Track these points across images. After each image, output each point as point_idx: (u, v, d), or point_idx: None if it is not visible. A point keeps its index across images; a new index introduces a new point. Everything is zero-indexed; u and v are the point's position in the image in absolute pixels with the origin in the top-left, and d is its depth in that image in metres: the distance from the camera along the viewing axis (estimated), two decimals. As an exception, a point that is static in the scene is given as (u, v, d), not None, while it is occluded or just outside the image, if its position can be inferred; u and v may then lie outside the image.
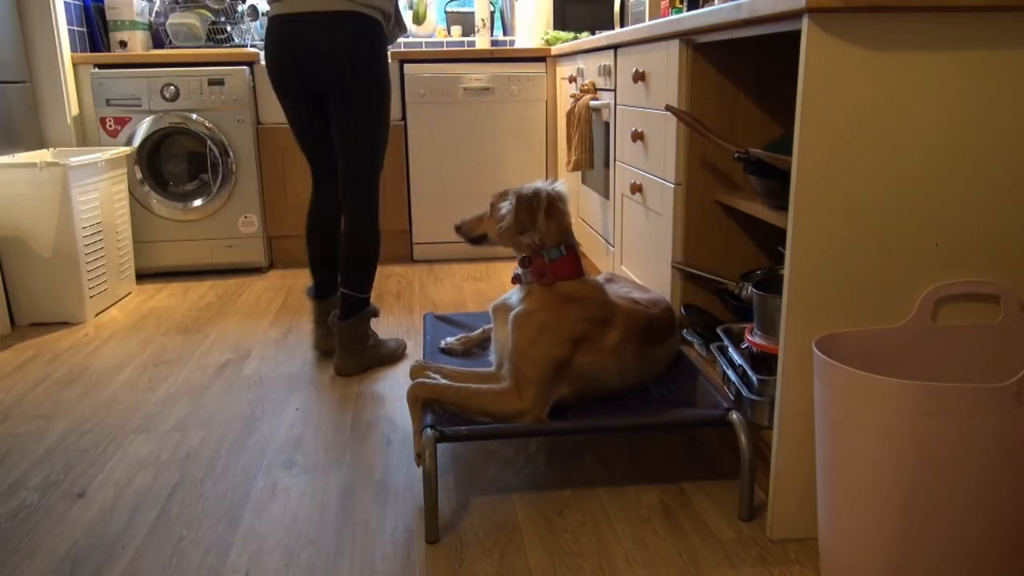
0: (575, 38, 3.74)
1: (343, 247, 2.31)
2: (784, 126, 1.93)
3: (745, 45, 1.88)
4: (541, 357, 1.60)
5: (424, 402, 1.60)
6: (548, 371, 1.60)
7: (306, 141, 2.35)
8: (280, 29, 2.18)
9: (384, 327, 2.78)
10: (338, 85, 2.17)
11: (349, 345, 2.33)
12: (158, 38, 3.83)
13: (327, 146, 2.34)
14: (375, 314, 2.40)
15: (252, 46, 3.86)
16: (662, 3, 2.88)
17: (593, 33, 3.88)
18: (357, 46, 2.14)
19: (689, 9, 2.64)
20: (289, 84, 2.24)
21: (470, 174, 3.72)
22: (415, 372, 1.79)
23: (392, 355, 2.45)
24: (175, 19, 3.68)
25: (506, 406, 1.57)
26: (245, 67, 3.46)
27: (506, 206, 1.69)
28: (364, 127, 2.22)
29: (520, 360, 1.60)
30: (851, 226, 1.31)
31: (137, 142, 3.42)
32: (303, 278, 3.51)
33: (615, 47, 2.52)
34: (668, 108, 1.84)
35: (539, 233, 1.67)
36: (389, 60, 2.29)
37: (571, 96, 3.19)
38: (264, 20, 4.04)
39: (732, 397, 1.69)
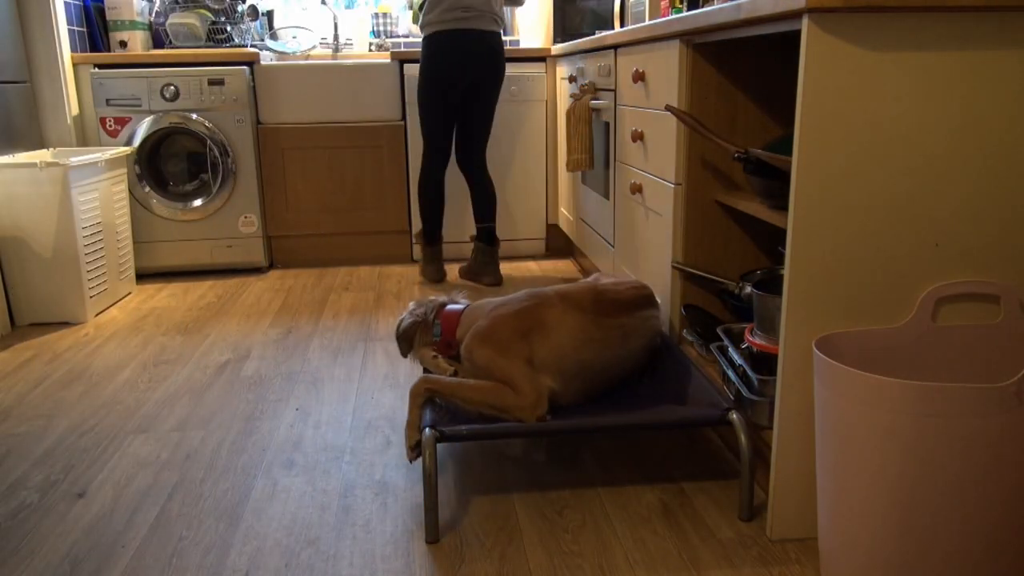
0: None
1: (481, 195, 3.32)
2: (784, 126, 1.93)
3: (745, 45, 1.88)
4: (508, 362, 1.64)
5: (427, 397, 1.64)
6: (524, 367, 1.63)
7: (443, 124, 3.23)
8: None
9: (384, 328, 2.79)
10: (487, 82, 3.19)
11: (497, 262, 3.34)
12: (158, 38, 3.83)
13: (452, 129, 3.28)
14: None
15: (252, 46, 3.86)
16: (662, 3, 2.88)
17: (593, 33, 3.88)
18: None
19: (689, 9, 2.64)
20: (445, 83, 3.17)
21: (470, 174, 3.72)
22: (424, 360, 1.85)
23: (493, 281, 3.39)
24: (175, 19, 3.68)
25: (507, 398, 1.60)
26: (245, 67, 3.46)
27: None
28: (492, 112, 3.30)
29: (497, 373, 1.64)
30: (851, 226, 1.31)
31: (137, 142, 3.42)
32: (303, 278, 3.51)
33: (615, 47, 2.52)
34: (668, 108, 1.84)
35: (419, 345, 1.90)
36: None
37: (571, 96, 3.19)
38: (263, 20, 4.05)
39: (732, 397, 1.69)
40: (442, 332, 1.84)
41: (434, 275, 3.38)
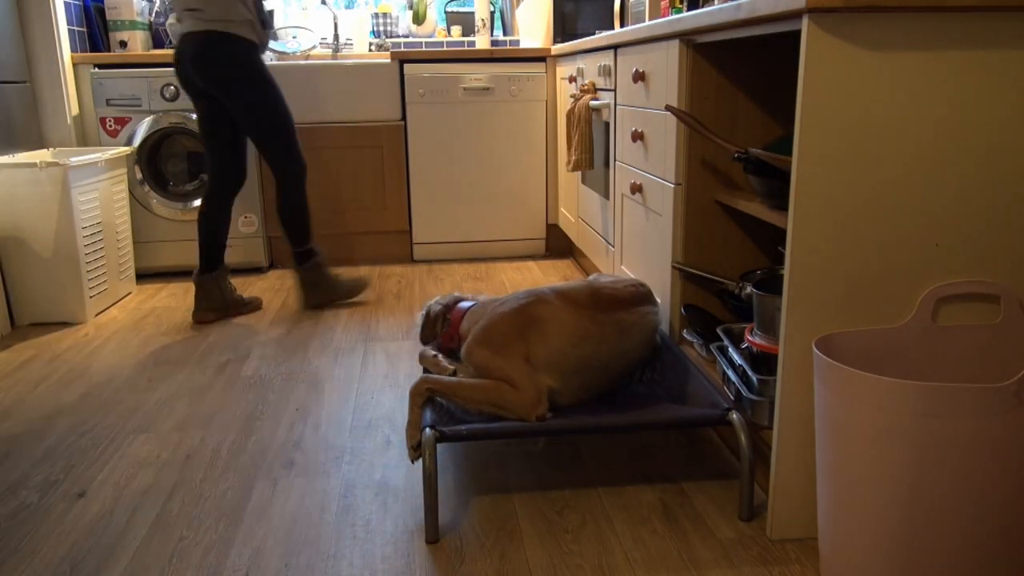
0: None
1: (281, 212, 2.92)
2: (784, 126, 1.93)
3: (745, 45, 1.88)
4: (506, 362, 1.64)
5: (427, 397, 1.64)
6: (522, 366, 1.64)
7: (206, 136, 2.85)
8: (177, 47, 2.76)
9: (384, 327, 2.79)
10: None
11: (316, 282, 3.01)
12: (158, 38, 3.83)
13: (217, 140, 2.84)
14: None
15: (252, 46, 3.86)
16: (662, 3, 2.88)
17: (593, 33, 3.88)
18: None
19: (689, 9, 2.64)
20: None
21: (470, 174, 3.72)
22: (424, 360, 1.87)
23: (350, 290, 3.07)
24: (175, 19, 3.68)
25: (508, 396, 1.60)
26: (245, 67, 3.46)
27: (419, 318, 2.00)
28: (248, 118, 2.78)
29: (496, 373, 1.64)
30: (851, 226, 1.31)
31: (137, 142, 3.42)
32: (303, 278, 3.51)
33: (615, 47, 2.52)
34: (668, 108, 1.84)
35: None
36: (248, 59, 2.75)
37: (571, 96, 3.19)
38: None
39: (732, 397, 1.69)
40: (449, 325, 1.88)
41: (202, 316, 2.89)
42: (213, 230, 2.88)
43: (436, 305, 1.97)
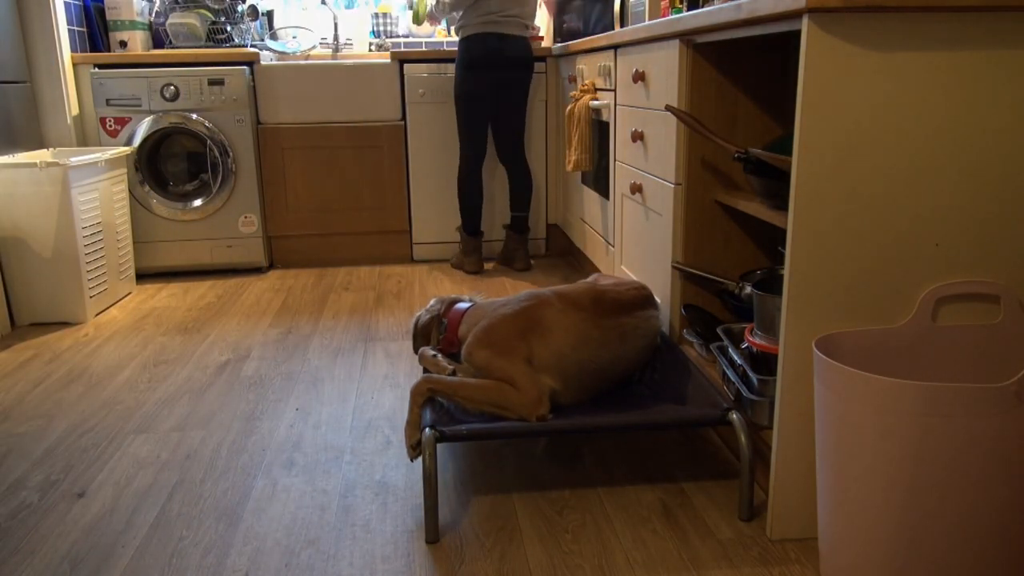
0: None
1: (516, 186, 3.56)
2: (784, 126, 1.93)
3: (745, 45, 1.88)
4: (508, 362, 1.64)
5: (428, 396, 1.63)
6: (524, 367, 1.64)
7: (478, 122, 3.42)
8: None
9: (384, 327, 2.79)
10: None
11: (527, 249, 3.63)
12: (158, 38, 3.83)
13: (487, 126, 3.47)
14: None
15: (252, 46, 3.86)
16: (662, 3, 2.88)
17: (593, 33, 3.87)
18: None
19: (689, 9, 2.64)
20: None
21: (470, 174, 3.72)
22: (424, 360, 1.85)
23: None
24: (175, 19, 3.68)
25: (509, 396, 1.60)
26: (245, 67, 3.46)
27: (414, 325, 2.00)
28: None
29: (497, 373, 1.64)
30: (851, 226, 1.31)
31: (137, 142, 3.42)
32: (303, 278, 3.51)
33: (615, 47, 2.52)
34: (668, 108, 1.84)
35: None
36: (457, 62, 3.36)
37: (571, 96, 3.19)
38: (263, 20, 4.05)
39: (732, 397, 1.69)
40: (446, 329, 1.85)
41: (472, 266, 3.55)
42: (481, 193, 3.56)
43: (425, 314, 1.94)
